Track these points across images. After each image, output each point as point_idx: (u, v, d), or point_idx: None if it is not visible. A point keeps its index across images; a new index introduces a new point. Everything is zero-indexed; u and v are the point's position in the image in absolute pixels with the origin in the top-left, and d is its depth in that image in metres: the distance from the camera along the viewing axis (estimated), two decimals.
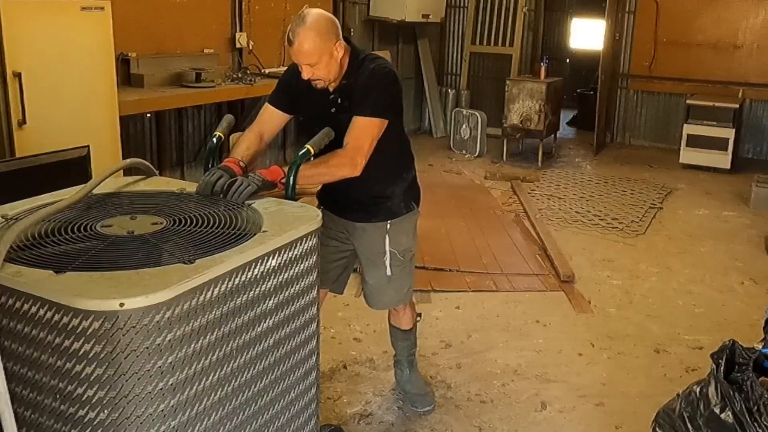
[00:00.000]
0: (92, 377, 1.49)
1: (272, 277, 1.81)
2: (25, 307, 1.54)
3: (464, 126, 8.20)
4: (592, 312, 4.13)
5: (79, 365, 1.50)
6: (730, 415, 2.29)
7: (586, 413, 3.11)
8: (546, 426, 3.02)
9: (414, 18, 8.11)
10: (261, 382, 1.84)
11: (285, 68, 2.84)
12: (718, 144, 7.49)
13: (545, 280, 4.56)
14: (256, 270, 1.75)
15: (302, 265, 1.92)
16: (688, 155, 7.67)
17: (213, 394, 1.69)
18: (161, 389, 1.54)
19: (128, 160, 2.34)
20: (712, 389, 2.39)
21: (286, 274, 1.86)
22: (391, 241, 2.73)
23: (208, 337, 1.63)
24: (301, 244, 1.89)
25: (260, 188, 2.13)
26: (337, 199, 2.72)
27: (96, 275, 1.56)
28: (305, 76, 2.42)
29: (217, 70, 5.88)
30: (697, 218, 6.04)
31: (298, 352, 1.97)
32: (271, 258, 1.79)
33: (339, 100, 2.52)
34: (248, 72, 6.17)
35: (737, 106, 7.53)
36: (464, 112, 8.31)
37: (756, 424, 2.23)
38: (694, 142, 7.60)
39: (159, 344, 1.51)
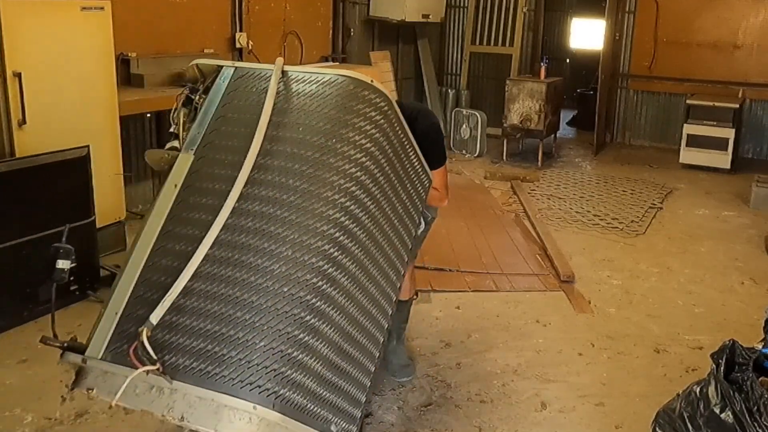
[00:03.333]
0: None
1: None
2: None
3: (464, 126, 8.20)
4: (592, 312, 4.13)
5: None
6: (730, 415, 2.30)
7: (586, 413, 3.11)
8: (546, 426, 3.02)
9: (414, 18, 8.12)
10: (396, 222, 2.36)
11: None
12: (718, 144, 7.49)
13: (545, 280, 4.56)
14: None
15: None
16: (688, 155, 7.68)
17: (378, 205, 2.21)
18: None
19: None
20: (712, 389, 2.39)
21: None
22: None
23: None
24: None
25: None
26: None
27: None
28: None
29: None
30: (697, 218, 6.04)
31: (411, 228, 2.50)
32: None
33: None
34: None
35: (737, 106, 7.53)
36: (464, 112, 8.31)
37: (756, 424, 2.23)
38: (694, 142, 7.60)
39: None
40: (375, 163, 2.18)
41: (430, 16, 8.41)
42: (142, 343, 1.80)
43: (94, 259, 4.03)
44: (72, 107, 4.13)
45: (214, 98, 2.28)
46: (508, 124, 7.78)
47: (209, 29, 6.12)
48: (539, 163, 7.72)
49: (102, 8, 4.22)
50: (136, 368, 1.80)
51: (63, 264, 2.62)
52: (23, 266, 3.66)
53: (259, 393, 1.80)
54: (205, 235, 1.96)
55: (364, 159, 2.14)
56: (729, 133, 7.45)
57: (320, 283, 1.96)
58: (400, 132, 2.35)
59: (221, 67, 2.35)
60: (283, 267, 1.93)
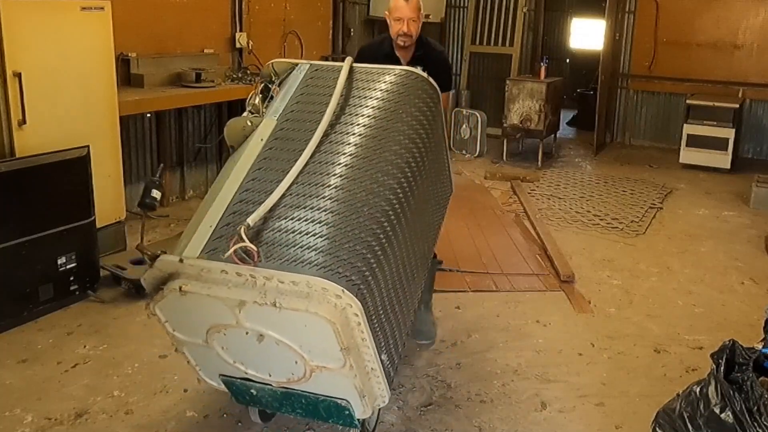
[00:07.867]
0: None
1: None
2: None
3: (464, 126, 8.19)
4: (592, 312, 4.13)
5: None
6: (730, 415, 2.30)
7: (586, 413, 3.11)
8: (546, 426, 3.02)
9: None
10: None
11: None
12: (718, 144, 7.49)
13: (545, 280, 4.56)
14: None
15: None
16: (688, 155, 7.68)
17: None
18: None
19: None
20: (712, 389, 2.39)
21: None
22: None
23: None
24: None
25: None
26: None
27: None
28: (404, 28, 3.28)
29: (217, 70, 5.88)
30: (697, 218, 6.04)
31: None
32: None
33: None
34: (248, 72, 6.18)
35: (737, 106, 7.53)
36: (464, 112, 8.30)
37: (756, 424, 2.23)
38: (694, 142, 7.60)
39: None
40: (426, 135, 2.70)
41: (430, 16, 8.40)
42: (240, 236, 1.97)
43: (94, 259, 4.03)
44: (72, 107, 4.13)
45: (293, 83, 2.69)
46: (508, 124, 7.78)
47: (209, 29, 6.13)
48: (539, 163, 7.72)
49: (102, 8, 4.22)
50: (234, 263, 1.98)
51: (156, 193, 2.99)
52: (23, 266, 3.66)
53: (347, 281, 2.03)
54: (291, 170, 2.27)
55: (420, 130, 2.66)
56: (729, 133, 7.45)
57: (390, 211, 2.34)
58: (440, 119, 2.88)
59: (296, 64, 2.78)
60: (362, 193, 2.28)
